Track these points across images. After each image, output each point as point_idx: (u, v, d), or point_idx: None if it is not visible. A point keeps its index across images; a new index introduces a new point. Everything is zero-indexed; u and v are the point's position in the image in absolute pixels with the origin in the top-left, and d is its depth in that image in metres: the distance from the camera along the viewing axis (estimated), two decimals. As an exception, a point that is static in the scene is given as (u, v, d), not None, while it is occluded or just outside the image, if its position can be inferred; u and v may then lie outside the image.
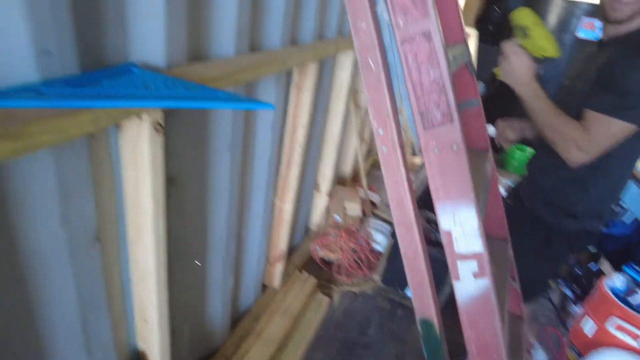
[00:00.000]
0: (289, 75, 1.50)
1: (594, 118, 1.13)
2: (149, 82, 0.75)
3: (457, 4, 1.06)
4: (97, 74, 0.73)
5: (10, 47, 0.61)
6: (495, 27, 4.78)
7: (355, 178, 2.93)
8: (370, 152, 3.35)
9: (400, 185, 0.79)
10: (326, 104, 2.04)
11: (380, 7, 0.76)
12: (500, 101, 3.48)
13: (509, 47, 1.22)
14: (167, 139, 0.91)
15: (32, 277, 0.75)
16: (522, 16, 1.25)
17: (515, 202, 1.53)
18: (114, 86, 0.70)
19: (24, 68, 0.63)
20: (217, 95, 0.74)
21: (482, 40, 4.76)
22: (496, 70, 1.32)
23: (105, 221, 0.87)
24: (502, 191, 3.09)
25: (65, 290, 0.81)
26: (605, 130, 1.13)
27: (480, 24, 5.06)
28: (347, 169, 2.80)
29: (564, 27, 4.06)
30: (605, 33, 1.26)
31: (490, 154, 1.17)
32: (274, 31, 1.31)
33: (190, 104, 0.70)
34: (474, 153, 1.17)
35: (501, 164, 4.35)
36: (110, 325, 0.95)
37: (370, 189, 3.03)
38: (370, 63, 0.76)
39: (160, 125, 0.82)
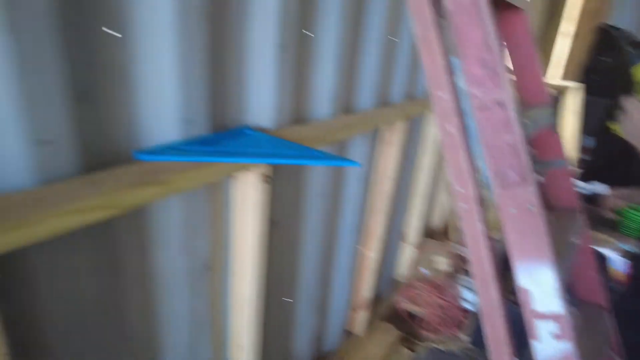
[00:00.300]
0: (377, 131, 1.63)
1: None
2: (259, 141, 0.93)
3: (539, 68, 1.10)
4: (221, 135, 0.92)
5: (164, 118, 0.82)
6: (603, 78, 4.49)
7: (445, 232, 2.90)
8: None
9: (478, 241, 0.84)
10: (414, 158, 2.12)
11: (459, 78, 0.85)
12: (610, 155, 3.21)
13: (631, 104, 1.16)
14: (271, 187, 1.08)
15: (156, 296, 0.93)
16: None
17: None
18: (232, 145, 0.88)
19: (171, 132, 0.83)
20: (312, 154, 0.88)
21: (589, 92, 4.49)
22: (614, 126, 1.30)
23: (215, 253, 1.04)
24: (615, 255, 2.81)
25: (181, 310, 0.98)
26: None
27: (587, 75, 4.79)
28: (437, 221, 2.79)
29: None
30: None
31: (581, 213, 1.14)
32: (367, 94, 1.47)
33: (289, 161, 0.85)
34: (561, 212, 1.16)
35: (616, 226, 3.92)
36: (212, 346, 1.10)
37: (461, 243, 2.96)
38: (448, 129, 0.85)
39: (267, 176, 0.99)
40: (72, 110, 0.68)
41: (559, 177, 1.15)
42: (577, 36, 4.83)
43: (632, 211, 3.83)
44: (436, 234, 2.83)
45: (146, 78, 0.78)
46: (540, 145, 1.15)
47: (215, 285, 1.07)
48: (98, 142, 0.74)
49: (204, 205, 0.97)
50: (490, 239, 0.83)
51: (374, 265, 1.85)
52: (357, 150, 1.52)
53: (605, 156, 4.36)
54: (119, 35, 0.72)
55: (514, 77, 1.14)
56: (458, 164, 0.84)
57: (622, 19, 5.09)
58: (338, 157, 0.98)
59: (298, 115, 1.19)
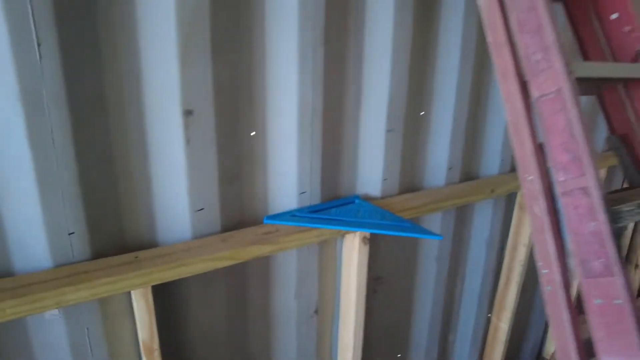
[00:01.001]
0: (511, 197, 1.59)
1: None
2: (360, 211, 1.09)
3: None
4: (331, 204, 1.12)
5: (286, 191, 1.06)
6: None
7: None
8: None
9: (563, 327, 0.82)
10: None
11: (550, 162, 0.87)
12: None
13: None
14: (376, 247, 1.22)
15: (273, 330, 1.15)
16: None
17: None
18: (336, 213, 1.06)
19: (289, 202, 1.07)
20: (401, 226, 1.00)
21: None
22: None
23: (324, 300, 1.22)
24: None
25: (289, 349, 1.18)
26: None
27: None
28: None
29: None
30: None
31: None
32: (490, 160, 1.49)
33: (376, 230, 0.99)
34: None
35: None
36: (318, 382, 1.26)
37: None
38: (535, 211, 0.87)
39: (366, 239, 1.14)
40: (221, 188, 0.97)
41: None
42: None
43: None
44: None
45: (275, 163, 1.04)
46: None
47: (323, 329, 1.24)
48: (237, 210, 1.02)
49: (315, 259, 1.17)
50: (576, 323, 0.80)
51: (504, 337, 1.74)
52: (480, 216, 1.53)
53: None
54: (254, 133, 1.00)
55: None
56: (544, 245, 0.85)
57: None
58: (423, 230, 1.06)
59: (410, 184, 1.31)
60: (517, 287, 1.70)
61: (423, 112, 1.28)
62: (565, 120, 0.81)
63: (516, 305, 1.75)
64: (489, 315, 1.76)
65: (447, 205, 1.26)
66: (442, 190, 1.32)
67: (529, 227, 1.63)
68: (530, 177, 0.88)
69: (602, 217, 0.76)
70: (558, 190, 0.83)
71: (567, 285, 0.82)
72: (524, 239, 1.65)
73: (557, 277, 0.82)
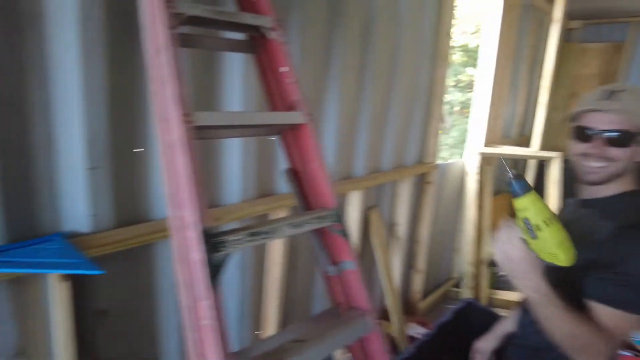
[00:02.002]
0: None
1: (611, 315, 0.96)
2: (47, 250, 1.11)
3: (325, 175, 1.19)
4: (18, 244, 1.12)
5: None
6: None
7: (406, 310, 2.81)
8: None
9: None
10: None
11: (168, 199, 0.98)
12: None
13: (506, 232, 0.94)
14: (95, 281, 1.24)
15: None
16: (533, 210, 0.88)
17: None
18: (15, 255, 1.07)
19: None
20: (68, 263, 1.04)
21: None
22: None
23: (32, 340, 1.20)
24: None
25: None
26: (623, 327, 0.97)
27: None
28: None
29: None
30: (585, 193, 1.15)
31: (371, 314, 1.16)
32: (229, 189, 1.62)
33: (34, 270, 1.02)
34: (351, 313, 1.18)
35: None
36: None
37: (421, 322, 2.86)
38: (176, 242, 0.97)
39: (66, 275, 1.15)
40: None
41: (350, 277, 1.19)
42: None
43: None
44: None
45: None
46: (332, 247, 1.21)
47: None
48: None
49: (10, 300, 1.15)
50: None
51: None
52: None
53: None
54: None
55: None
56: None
57: (637, 79, 4.85)
58: (83, 266, 1.09)
59: (132, 217, 1.36)
60: (277, 304, 1.86)
61: (142, 150, 1.36)
62: (179, 164, 0.94)
63: (280, 319, 1.91)
64: (257, 332, 1.89)
65: (163, 236, 1.35)
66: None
67: (280, 248, 1.81)
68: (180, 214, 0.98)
69: (201, 248, 0.89)
70: (171, 223, 0.95)
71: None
72: (278, 258, 1.82)
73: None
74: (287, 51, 1.22)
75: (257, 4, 1.25)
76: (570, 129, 1.13)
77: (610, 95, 1.04)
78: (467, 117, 8.45)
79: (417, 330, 2.74)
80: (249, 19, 1.19)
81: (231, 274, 1.71)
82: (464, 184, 3.42)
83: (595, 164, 1.06)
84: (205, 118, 0.99)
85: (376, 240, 2.44)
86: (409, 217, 2.83)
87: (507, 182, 0.89)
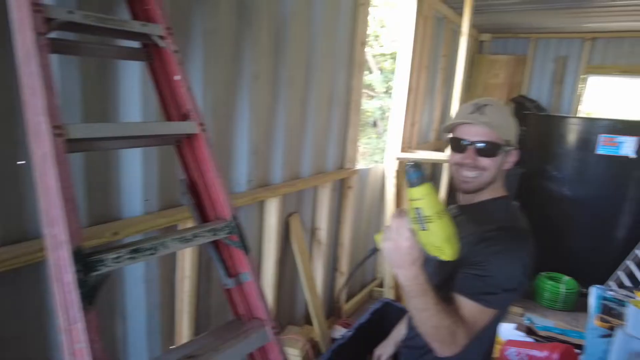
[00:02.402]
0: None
1: (470, 308, 1.03)
2: None
3: (221, 186, 1.18)
4: None
5: None
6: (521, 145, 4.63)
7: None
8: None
9: None
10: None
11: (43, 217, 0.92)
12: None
13: (397, 221, 0.95)
14: None
15: None
16: (426, 201, 0.89)
17: None
18: None
19: None
20: None
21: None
22: (377, 237, 1.05)
23: None
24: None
25: None
26: (481, 319, 1.05)
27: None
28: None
29: (583, 145, 3.80)
30: (462, 200, 1.26)
31: (270, 322, 1.16)
32: (130, 202, 1.55)
33: None
34: (250, 323, 1.18)
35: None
36: None
37: (346, 324, 2.92)
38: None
39: None
40: None
41: (249, 289, 1.19)
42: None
43: (548, 280, 3.77)
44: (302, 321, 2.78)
45: None
46: (229, 260, 1.20)
47: None
48: None
49: None
50: None
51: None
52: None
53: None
54: None
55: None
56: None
57: (537, 90, 5.33)
58: None
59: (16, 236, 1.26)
60: (189, 317, 1.81)
61: (24, 162, 1.26)
62: (52, 180, 0.88)
63: (195, 333, 1.85)
64: (171, 347, 1.83)
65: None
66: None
67: (190, 261, 1.76)
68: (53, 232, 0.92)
69: (72, 268, 0.84)
70: (46, 242, 0.89)
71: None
72: (187, 272, 1.77)
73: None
74: (180, 60, 1.20)
75: (150, 12, 1.22)
76: (448, 140, 1.22)
77: (478, 109, 1.14)
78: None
79: (341, 333, 2.80)
80: (137, 27, 1.15)
81: (136, 289, 1.64)
82: (384, 188, 3.55)
83: (468, 173, 1.16)
84: (79, 130, 0.94)
85: (296, 246, 2.46)
86: (331, 221, 2.89)
87: (406, 171, 0.91)
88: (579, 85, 5.11)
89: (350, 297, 3.44)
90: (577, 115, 4.83)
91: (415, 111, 3.77)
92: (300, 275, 2.55)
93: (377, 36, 8.57)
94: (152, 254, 0.96)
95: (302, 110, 2.41)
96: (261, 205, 2.22)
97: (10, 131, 1.22)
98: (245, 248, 1.17)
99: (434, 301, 0.97)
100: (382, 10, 7.65)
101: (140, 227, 1.50)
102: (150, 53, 1.24)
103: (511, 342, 2.57)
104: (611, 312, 2.01)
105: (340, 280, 3.13)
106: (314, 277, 2.68)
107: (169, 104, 1.23)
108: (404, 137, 3.52)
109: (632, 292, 2.14)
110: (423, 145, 4.12)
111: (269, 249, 2.25)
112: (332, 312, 3.20)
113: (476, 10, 3.91)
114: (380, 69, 8.73)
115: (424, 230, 0.90)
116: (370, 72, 8.73)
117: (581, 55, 5.06)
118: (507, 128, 1.16)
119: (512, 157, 1.18)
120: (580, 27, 4.73)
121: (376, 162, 7.27)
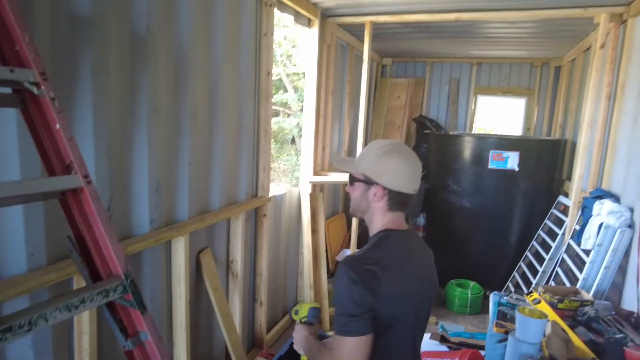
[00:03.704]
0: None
1: (340, 343, 1.16)
2: None
3: (111, 236, 1.09)
4: None
5: None
6: (424, 162, 4.99)
7: None
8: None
9: None
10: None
11: None
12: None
13: (297, 330, 1.40)
14: None
15: None
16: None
17: None
18: None
19: None
20: None
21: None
22: (293, 312, 1.49)
23: None
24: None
25: None
26: (354, 349, 1.13)
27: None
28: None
29: (477, 161, 4.18)
30: None
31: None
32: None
33: None
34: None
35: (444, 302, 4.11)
36: None
37: (268, 355, 2.86)
38: None
39: None
40: None
41: (149, 348, 1.11)
42: (399, 127, 5.35)
43: (457, 287, 4.06)
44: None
45: None
46: (125, 320, 1.12)
47: None
48: None
49: None
50: None
51: None
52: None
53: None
54: None
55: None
56: None
57: (436, 110, 5.78)
58: None
59: None
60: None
61: None
62: None
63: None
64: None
65: None
66: None
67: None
68: None
69: None
70: None
71: None
72: (86, 327, 1.62)
73: None
74: (58, 108, 1.10)
75: (20, 54, 1.11)
76: None
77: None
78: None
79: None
80: (5, 73, 1.04)
81: (22, 353, 1.45)
82: (300, 211, 3.58)
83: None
84: None
85: (209, 284, 2.37)
86: (247, 252, 2.83)
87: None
88: (471, 105, 5.66)
89: (271, 325, 3.39)
90: (471, 133, 5.31)
91: (325, 134, 3.88)
92: (216, 313, 2.45)
93: (289, 56, 8.75)
94: (29, 329, 0.85)
95: (208, 142, 2.35)
96: (167, 245, 2.11)
97: None
98: (141, 307, 1.09)
99: (322, 351, 1.28)
100: (293, 30, 7.81)
101: (24, 286, 1.34)
102: (25, 99, 1.13)
103: (425, 354, 2.70)
104: (506, 317, 2.21)
105: (261, 310, 3.07)
106: (230, 313, 2.59)
107: (50, 154, 1.12)
108: (315, 161, 3.59)
109: (523, 296, 2.37)
110: (334, 167, 4.25)
111: (179, 291, 2.13)
112: (254, 343, 3.12)
113: (376, 37, 4.18)
114: (295, 88, 8.90)
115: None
116: (286, 91, 8.86)
117: (470, 77, 5.62)
118: (365, 161, 1.28)
119: (376, 191, 1.24)
120: (468, 53, 5.27)
121: (297, 178, 7.36)
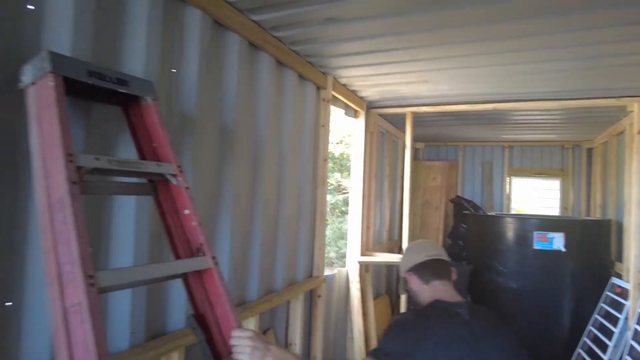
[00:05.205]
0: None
1: None
2: None
3: (233, 316, 1.18)
4: None
5: None
6: (464, 242, 5.00)
7: None
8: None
9: None
10: None
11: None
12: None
13: None
14: None
15: None
16: None
17: None
18: None
19: None
20: None
21: (451, 256, 4.91)
22: None
23: None
24: None
25: None
26: None
27: (452, 240, 5.31)
28: None
29: (521, 242, 4.18)
30: None
31: None
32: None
33: None
34: None
35: None
36: None
37: None
38: None
39: None
40: None
41: None
42: (436, 208, 5.45)
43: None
44: None
45: None
46: None
47: None
48: None
49: None
50: None
51: None
52: None
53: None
54: None
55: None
56: None
57: (471, 190, 5.90)
58: None
59: None
60: None
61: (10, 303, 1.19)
62: (83, 333, 0.86)
63: None
64: None
65: None
66: None
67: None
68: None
69: None
70: None
71: None
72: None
73: None
74: (190, 195, 1.27)
75: (158, 150, 1.31)
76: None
77: None
78: (339, 216, 9.13)
79: None
80: (152, 167, 1.23)
81: None
82: (349, 292, 3.59)
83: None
84: (109, 278, 0.96)
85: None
86: (303, 334, 2.82)
87: None
88: (506, 185, 5.77)
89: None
90: (512, 214, 5.36)
91: (370, 215, 4.01)
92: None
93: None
94: None
95: (274, 225, 2.50)
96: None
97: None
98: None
99: None
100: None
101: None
102: (158, 188, 1.31)
103: None
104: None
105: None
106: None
107: (178, 237, 1.27)
108: (362, 241, 3.68)
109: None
110: (378, 246, 4.30)
111: None
112: None
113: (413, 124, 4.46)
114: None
115: None
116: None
117: (503, 160, 5.80)
118: (400, 268, 1.66)
119: (408, 278, 1.58)
120: (500, 137, 5.51)
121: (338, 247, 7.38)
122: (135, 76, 1.35)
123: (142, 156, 1.32)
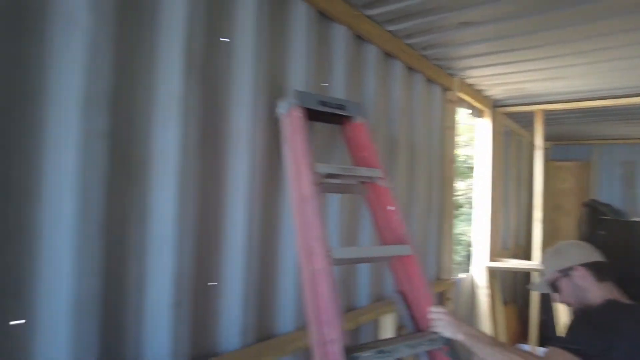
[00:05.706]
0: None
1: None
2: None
3: (429, 297, 1.34)
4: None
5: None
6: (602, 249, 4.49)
7: None
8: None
9: None
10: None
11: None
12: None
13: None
14: None
15: None
16: None
17: None
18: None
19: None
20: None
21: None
22: None
23: None
24: None
25: None
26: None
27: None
28: None
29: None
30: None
31: None
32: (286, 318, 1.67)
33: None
34: None
35: None
36: None
37: None
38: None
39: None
40: None
41: None
42: (567, 212, 5.02)
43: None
44: None
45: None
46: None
47: None
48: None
49: None
50: None
51: None
52: None
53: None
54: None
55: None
56: None
57: (608, 193, 5.32)
58: None
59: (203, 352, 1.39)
60: None
61: (215, 283, 1.44)
62: (323, 289, 1.10)
63: None
64: None
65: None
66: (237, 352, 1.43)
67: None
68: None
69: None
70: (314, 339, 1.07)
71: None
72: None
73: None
74: (394, 194, 1.52)
75: (368, 159, 1.60)
76: None
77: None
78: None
79: None
80: (365, 172, 1.54)
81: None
82: (474, 298, 3.50)
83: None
84: (339, 253, 1.27)
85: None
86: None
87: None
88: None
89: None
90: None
91: (497, 219, 3.86)
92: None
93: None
94: (391, 356, 1.14)
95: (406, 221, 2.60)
96: (376, 322, 2.26)
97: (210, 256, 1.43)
98: (456, 357, 1.28)
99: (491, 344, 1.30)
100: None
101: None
102: (367, 188, 1.61)
103: None
104: None
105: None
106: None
107: (383, 228, 1.54)
108: (491, 246, 3.56)
109: None
110: (504, 252, 4.12)
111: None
112: None
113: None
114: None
115: None
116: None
117: (648, 159, 5.13)
118: (550, 265, 1.56)
119: (577, 273, 1.46)
120: (643, 133, 4.88)
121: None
122: (349, 100, 1.73)
123: (356, 163, 1.64)
